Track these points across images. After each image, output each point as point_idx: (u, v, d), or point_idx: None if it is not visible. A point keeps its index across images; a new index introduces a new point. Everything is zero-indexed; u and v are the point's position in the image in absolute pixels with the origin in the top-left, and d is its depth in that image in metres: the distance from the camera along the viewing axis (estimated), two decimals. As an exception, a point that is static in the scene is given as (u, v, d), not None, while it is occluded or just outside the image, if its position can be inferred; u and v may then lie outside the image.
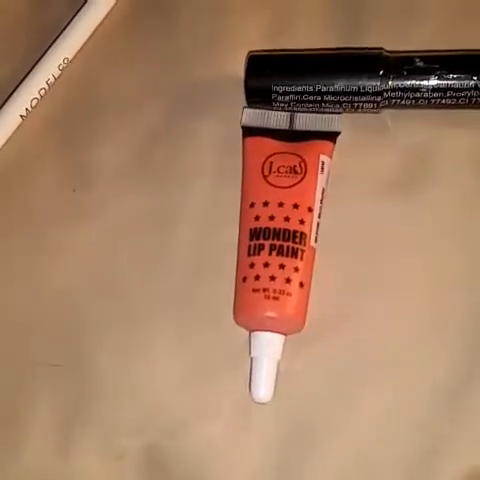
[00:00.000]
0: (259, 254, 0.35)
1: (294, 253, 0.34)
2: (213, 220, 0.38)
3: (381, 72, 0.36)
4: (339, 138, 0.38)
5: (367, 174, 0.38)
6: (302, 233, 0.35)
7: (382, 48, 0.38)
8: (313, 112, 0.38)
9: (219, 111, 0.40)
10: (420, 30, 0.40)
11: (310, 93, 0.37)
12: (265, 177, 0.36)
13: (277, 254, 0.34)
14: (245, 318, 0.35)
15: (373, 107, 0.37)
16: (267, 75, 0.38)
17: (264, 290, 0.34)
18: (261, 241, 0.35)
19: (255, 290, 0.34)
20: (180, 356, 0.36)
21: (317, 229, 0.36)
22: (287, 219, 0.35)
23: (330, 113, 0.38)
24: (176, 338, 0.36)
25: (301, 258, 0.34)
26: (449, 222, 0.37)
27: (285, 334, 0.34)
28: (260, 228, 0.35)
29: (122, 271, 0.38)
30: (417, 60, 0.37)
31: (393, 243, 0.36)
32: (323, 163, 0.37)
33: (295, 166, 0.36)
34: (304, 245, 0.35)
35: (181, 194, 0.39)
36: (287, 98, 0.38)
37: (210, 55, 0.41)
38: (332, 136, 0.38)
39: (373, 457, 0.33)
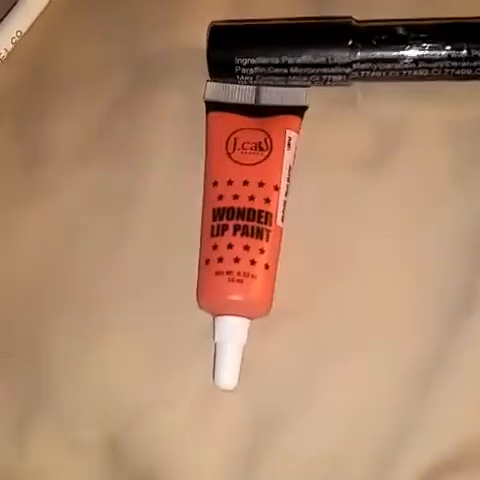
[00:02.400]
0: (223, 235, 0.33)
1: (259, 234, 0.33)
2: (176, 199, 0.36)
3: (350, 42, 0.35)
4: (307, 112, 0.36)
5: (336, 150, 0.36)
6: (268, 213, 0.33)
7: (351, 17, 0.36)
8: (280, 86, 0.36)
9: (182, 84, 0.38)
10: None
11: (276, 65, 0.35)
12: (229, 154, 0.34)
13: (241, 235, 0.33)
14: (208, 302, 0.33)
15: (342, 79, 0.36)
16: (230, 47, 0.36)
17: (228, 273, 0.32)
18: (225, 221, 0.33)
19: (218, 273, 0.32)
20: (141, 342, 0.34)
21: (284, 208, 0.34)
22: (252, 198, 0.33)
23: (297, 86, 0.36)
24: (136, 323, 0.34)
25: (267, 239, 0.33)
26: (421, 199, 0.35)
27: (250, 318, 0.33)
28: (224, 208, 0.33)
29: (79, 254, 0.36)
30: (388, 30, 0.35)
31: (363, 222, 0.35)
32: (290, 139, 0.35)
33: (260, 142, 0.35)
34: (270, 225, 0.33)
35: (141, 172, 0.37)
36: (252, 71, 0.36)
37: (171, 25, 0.39)
38: (299, 111, 0.36)
39: (340, 441, 0.32)
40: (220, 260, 0.32)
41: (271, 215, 0.33)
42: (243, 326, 0.32)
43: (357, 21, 0.36)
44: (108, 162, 0.37)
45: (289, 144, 0.35)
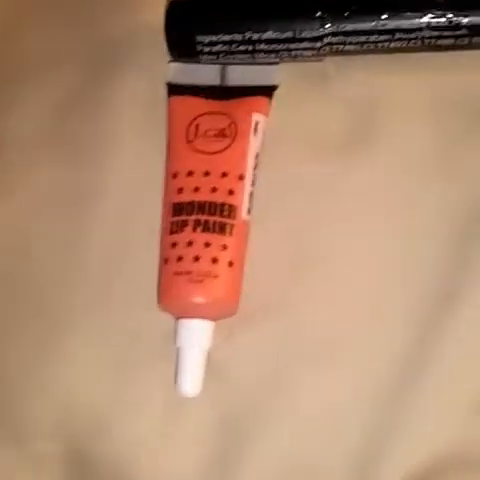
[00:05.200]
0: (182, 231, 0.30)
1: (221, 229, 0.30)
2: (137, 195, 0.34)
3: (318, 14, 0.32)
4: (276, 92, 0.33)
5: (308, 133, 0.33)
6: (231, 205, 0.31)
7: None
8: (247, 64, 0.33)
9: (143, 67, 0.35)
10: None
11: (240, 42, 0.32)
12: (189, 142, 0.32)
13: (202, 231, 0.30)
14: (169, 304, 0.31)
15: (313, 55, 0.33)
16: (189, 24, 0.33)
17: (187, 273, 0.30)
18: (184, 217, 0.31)
19: (177, 273, 0.30)
20: (100, 347, 0.32)
21: (250, 199, 0.31)
22: (214, 190, 0.31)
23: (266, 64, 0.33)
24: (96, 328, 0.32)
25: (230, 233, 0.30)
26: (399, 188, 0.32)
27: (215, 320, 0.31)
28: (183, 202, 0.31)
29: (33, 260, 0.34)
30: (360, -2, 0.32)
31: (335, 213, 0.32)
32: (257, 123, 0.32)
33: (224, 129, 0.32)
34: (234, 218, 0.31)
35: (100, 165, 0.34)
36: (214, 49, 0.33)
37: (131, 4, 0.36)
38: (268, 91, 0.33)
39: (309, 446, 0.30)
40: (179, 259, 0.30)
41: (235, 208, 0.31)
42: (205, 330, 0.30)
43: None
44: (65, 157, 0.35)
45: (256, 129, 0.32)
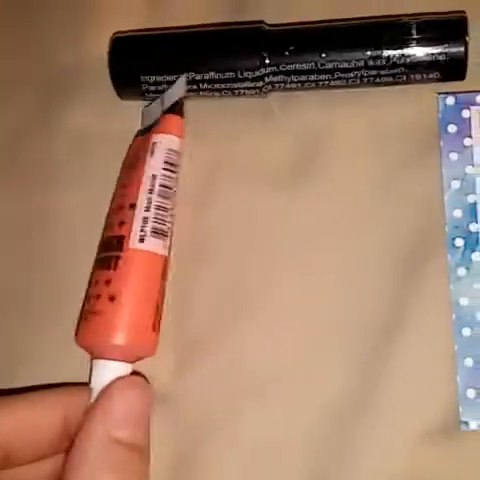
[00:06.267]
0: (93, 270, 0.31)
1: (107, 263, 0.30)
2: (86, 230, 0.34)
3: (259, 54, 0.32)
4: (219, 127, 0.34)
5: (251, 166, 0.34)
6: (119, 236, 0.30)
7: (263, 22, 0.33)
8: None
9: (93, 103, 0.35)
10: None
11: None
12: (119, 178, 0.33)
13: (96, 268, 0.31)
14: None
15: (256, 93, 0.33)
16: (134, 63, 0.33)
17: (83, 312, 0.30)
18: (99, 254, 0.31)
19: (81, 312, 0.31)
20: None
21: (144, 225, 0.29)
22: (112, 225, 0.31)
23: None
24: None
25: (114, 267, 0.29)
26: (346, 214, 0.33)
27: (117, 359, 0.29)
28: (102, 238, 0.31)
29: None
30: (300, 36, 0.32)
31: (279, 245, 0.33)
32: (154, 144, 0.31)
33: (131, 162, 0.32)
34: (120, 250, 0.29)
35: (51, 196, 0.35)
36: (160, 88, 0.33)
37: (81, 37, 0.36)
38: (174, 107, 0.32)
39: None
40: (86, 298, 0.31)
41: (123, 238, 0.29)
42: (111, 372, 0.29)
43: (269, 26, 0.33)
44: (14, 187, 0.35)
45: (153, 150, 0.31)
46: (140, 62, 0.33)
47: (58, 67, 0.36)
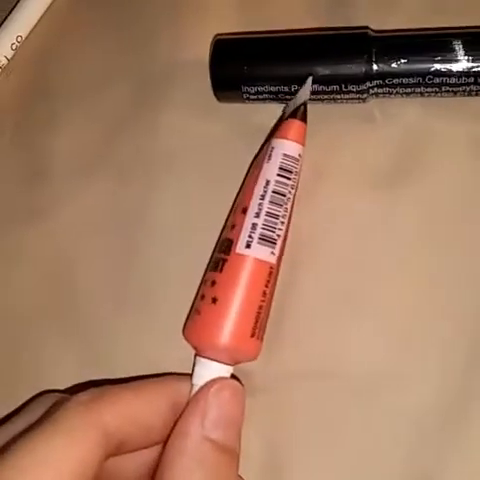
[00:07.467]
0: (206, 269, 0.32)
1: (216, 264, 0.30)
2: (183, 227, 0.34)
3: (364, 68, 0.31)
4: (319, 129, 0.33)
5: (353, 168, 0.33)
6: (229, 240, 0.30)
7: (367, 27, 0.32)
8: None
9: (187, 102, 0.35)
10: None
11: (286, 93, 0.32)
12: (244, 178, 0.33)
13: (209, 268, 0.31)
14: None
15: (358, 102, 0.33)
16: (235, 75, 0.33)
17: (192, 308, 0.31)
18: (214, 255, 0.32)
19: (191, 308, 0.32)
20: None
21: (253, 232, 0.29)
22: (227, 227, 0.31)
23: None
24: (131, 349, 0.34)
25: (220, 269, 0.29)
26: (445, 222, 0.32)
27: (215, 359, 0.29)
28: (219, 239, 0.32)
29: (79, 280, 0.35)
30: (409, 47, 0.31)
31: (383, 247, 0.32)
32: (272, 149, 0.30)
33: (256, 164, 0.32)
34: (227, 254, 0.30)
35: (148, 192, 0.35)
36: (261, 97, 0.33)
37: (178, 38, 0.36)
38: (296, 112, 0.31)
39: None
40: (197, 294, 0.32)
41: (231, 241, 0.30)
42: (209, 372, 0.29)
43: (373, 31, 0.32)
44: (112, 181, 0.36)
45: (270, 155, 0.30)
46: (242, 71, 0.33)
47: (156, 65, 0.36)
